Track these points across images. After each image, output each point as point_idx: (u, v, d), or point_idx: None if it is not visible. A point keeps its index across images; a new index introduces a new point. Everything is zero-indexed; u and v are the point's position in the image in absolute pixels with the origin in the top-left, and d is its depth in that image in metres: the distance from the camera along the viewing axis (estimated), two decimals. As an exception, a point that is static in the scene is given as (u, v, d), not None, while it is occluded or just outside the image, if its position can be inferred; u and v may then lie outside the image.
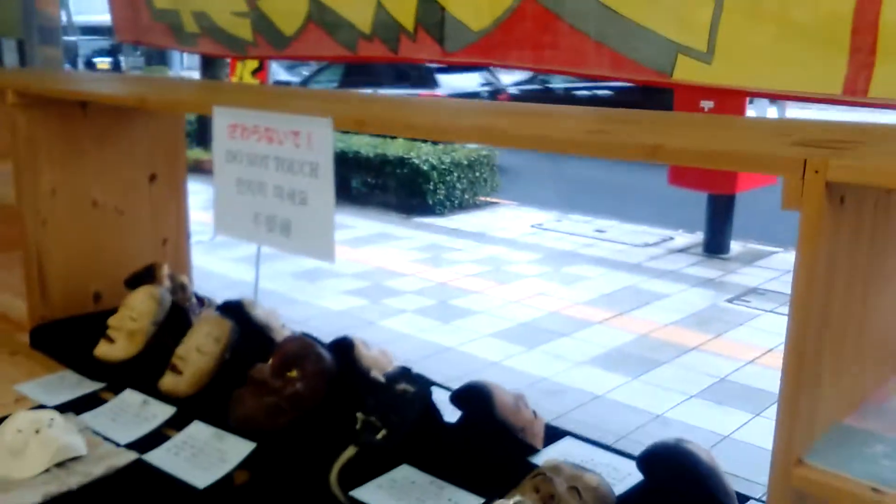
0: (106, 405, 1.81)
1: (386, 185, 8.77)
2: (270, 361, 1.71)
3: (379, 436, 1.56)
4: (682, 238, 7.48)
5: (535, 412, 1.64)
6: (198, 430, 1.68)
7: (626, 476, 1.52)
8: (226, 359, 1.86)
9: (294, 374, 1.69)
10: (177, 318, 2.06)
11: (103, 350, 2.00)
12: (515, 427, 1.55)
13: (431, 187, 8.42)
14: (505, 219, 8.38)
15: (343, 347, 1.76)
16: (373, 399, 1.59)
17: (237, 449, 1.61)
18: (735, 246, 7.06)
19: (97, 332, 2.03)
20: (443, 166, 8.50)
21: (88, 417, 1.76)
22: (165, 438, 1.67)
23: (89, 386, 1.92)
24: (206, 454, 1.60)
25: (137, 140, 2.35)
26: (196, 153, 11.06)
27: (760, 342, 4.84)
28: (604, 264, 6.62)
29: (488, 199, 9.10)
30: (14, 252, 2.25)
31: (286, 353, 1.71)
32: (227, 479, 1.54)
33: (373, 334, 4.96)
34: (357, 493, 1.46)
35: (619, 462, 1.59)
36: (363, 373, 1.71)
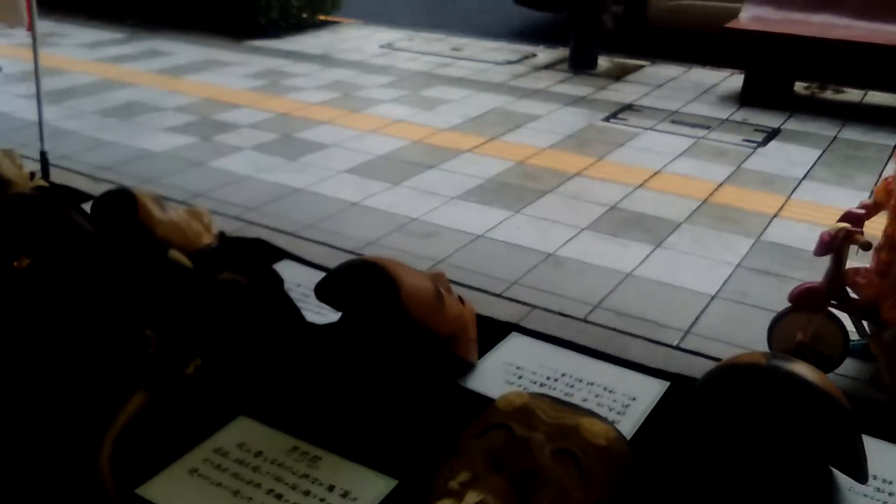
0: None
1: (209, 4, 7.51)
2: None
3: (189, 369, 0.86)
4: (546, 54, 6.84)
5: (461, 298, 0.98)
6: None
7: (627, 401, 0.91)
8: None
9: (25, 262, 0.93)
10: None
11: None
12: (440, 336, 0.89)
13: (263, 4, 7.26)
14: (350, 39, 7.42)
15: (116, 208, 1.00)
16: (174, 301, 0.88)
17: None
18: (602, 61, 6.51)
19: None
20: (275, -21, 7.33)
21: None
22: None
23: None
24: None
25: None
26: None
27: (646, 163, 4.37)
28: (465, 85, 5.91)
29: (329, 17, 8.03)
30: None
31: (8, 223, 0.94)
32: None
33: (204, 177, 4.11)
34: (148, 488, 0.76)
35: (606, 371, 0.97)
36: (156, 253, 0.97)
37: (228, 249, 0.98)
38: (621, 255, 3.32)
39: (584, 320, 2.83)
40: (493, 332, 1.04)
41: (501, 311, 2.84)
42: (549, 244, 3.40)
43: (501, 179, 4.14)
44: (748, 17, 5.74)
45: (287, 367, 0.90)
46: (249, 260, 0.94)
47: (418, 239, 3.44)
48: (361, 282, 0.87)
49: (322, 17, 7.92)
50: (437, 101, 5.51)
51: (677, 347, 2.67)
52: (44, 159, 3.74)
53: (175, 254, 0.91)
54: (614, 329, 2.78)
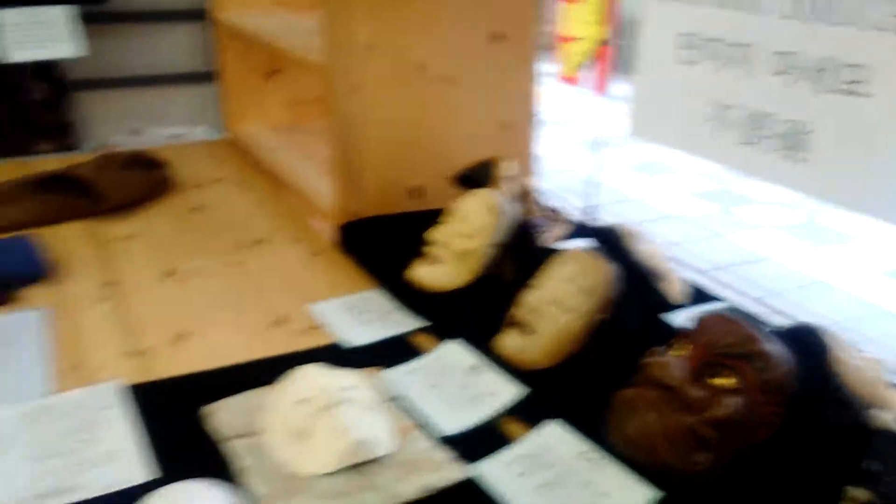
0: (423, 359, 1.25)
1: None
2: (684, 351, 1.02)
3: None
4: None
5: None
6: (556, 444, 1.06)
7: None
8: (603, 325, 1.20)
9: (724, 381, 0.98)
10: (522, 244, 1.44)
11: (423, 273, 1.44)
12: None
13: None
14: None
15: (806, 344, 1.01)
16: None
17: (627, 498, 0.96)
18: None
19: (418, 242, 1.47)
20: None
21: (401, 375, 1.21)
22: (501, 442, 1.07)
23: (404, 321, 1.38)
24: (572, 490, 0.97)
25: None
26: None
27: None
28: None
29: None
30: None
31: (715, 345, 1.00)
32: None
33: (723, 251, 4.11)
34: None
35: None
36: (851, 404, 0.96)
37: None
38: None
39: None
40: None
41: None
42: None
43: None
44: None
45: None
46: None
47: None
48: None
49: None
50: None
51: None
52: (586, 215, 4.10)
53: (886, 420, 0.89)
54: None
